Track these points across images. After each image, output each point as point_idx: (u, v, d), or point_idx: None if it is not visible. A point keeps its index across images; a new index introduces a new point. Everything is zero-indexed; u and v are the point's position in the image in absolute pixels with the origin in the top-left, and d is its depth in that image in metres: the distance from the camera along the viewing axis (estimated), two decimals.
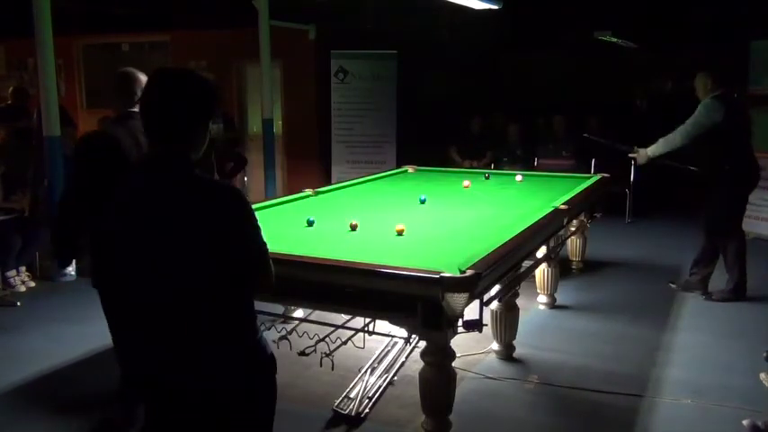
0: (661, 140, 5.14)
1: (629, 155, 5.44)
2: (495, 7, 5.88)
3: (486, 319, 3.34)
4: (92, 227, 1.90)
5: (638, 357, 4.06)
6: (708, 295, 5.16)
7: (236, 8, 7.87)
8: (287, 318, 3.73)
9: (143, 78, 3.01)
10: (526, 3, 8.02)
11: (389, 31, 8.41)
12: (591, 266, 6.02)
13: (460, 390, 3.21)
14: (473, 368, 3.87)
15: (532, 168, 7.62)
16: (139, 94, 2.79)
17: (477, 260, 2.69)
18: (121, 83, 3.02)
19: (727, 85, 5.01)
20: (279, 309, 3.52)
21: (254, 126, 9.68)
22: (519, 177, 5.59)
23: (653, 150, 5.18)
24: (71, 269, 5.63)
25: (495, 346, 4.02)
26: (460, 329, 2.64)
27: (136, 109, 2.91)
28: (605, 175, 5.48)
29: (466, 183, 5.23)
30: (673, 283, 5.29)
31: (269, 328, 3.35)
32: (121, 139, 2.81)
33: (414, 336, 2.76)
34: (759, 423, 3.08)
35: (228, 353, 1.80)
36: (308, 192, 4.61)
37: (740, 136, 4.95)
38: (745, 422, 3.11)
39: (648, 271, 5.93)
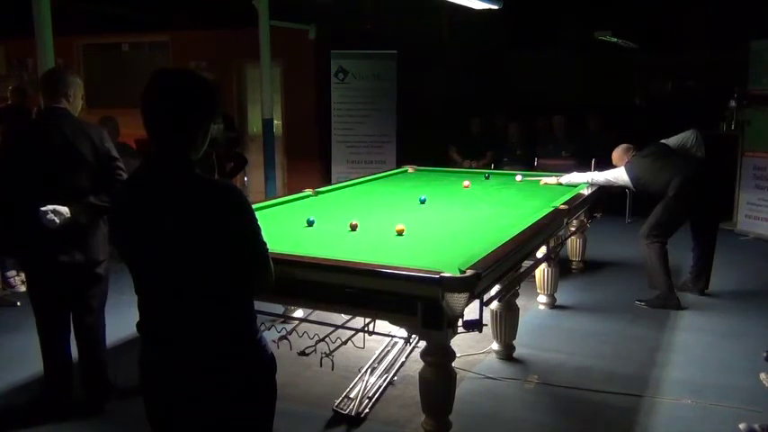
0: (575, 175, 5.22)
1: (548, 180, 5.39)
2: (495, 7, 5.87)
3: (486, 319, 3.34)
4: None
5: (638, 357, 4.06)
6: (701, 292, 5.21)
7: (236, 8, 7.87)
8: (287, 318, 3.73)
9: (71, 79, 3.24)
10: (526, 3, 8.02)
11: (389, 31, 8.41)
12: (591, 266, 6.02)
13: (460, 390, 3.21)
14: (473, 368, 3.87)
15: (532, 168, 7.61)
16: (64, 91, 3.16)
17: (477, 260, 2.69)
18: (47, 81, 3.26)
19: (639, 146, 5.27)
20: (279, 309, 3.52)
21: (254, 126, 9.68)
22: (519, 177, 5.59)
23: (565, 179, 5.21)
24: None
25: (495, 346, 4.02)
26: (460, 329, 2.64)
27: (61, 105, 3.17)
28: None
29: (466, 183, 5.23)
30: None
31: (269, 328, 3.35)
32: (29, 133, 3.18)
33: (414, 336, 2.76)
34: (756, 426, 3.07)
35: (228, 353, 1.80)
36: (308, 192, 4.61)
37: (670, 169, 4.98)
38: (741, 426, 3.09)
39: None
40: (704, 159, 5.15)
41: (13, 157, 3.17)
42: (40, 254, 3.19)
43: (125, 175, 3.21)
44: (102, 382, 3.40)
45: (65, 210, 3.06)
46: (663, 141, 5.24)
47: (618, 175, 5.14)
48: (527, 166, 7.65)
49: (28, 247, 3.23)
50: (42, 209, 3.02)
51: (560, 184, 5.19)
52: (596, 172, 5.30)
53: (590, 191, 4.98)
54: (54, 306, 3.30)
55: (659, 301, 4.94)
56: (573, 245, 5.74)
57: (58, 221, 3.04)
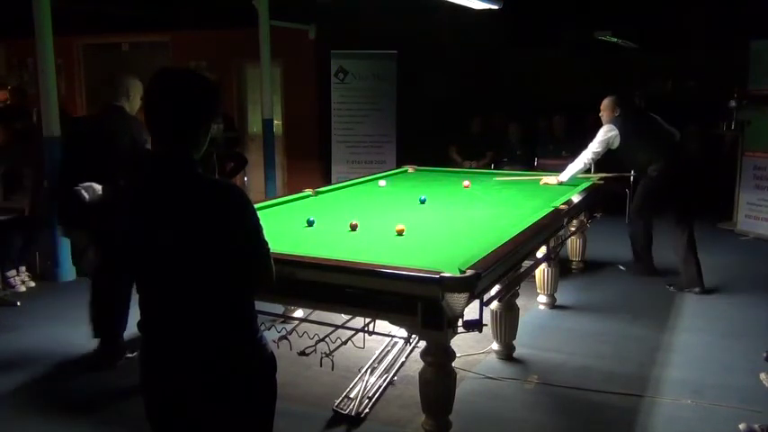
0: (569, 167, 5.30)
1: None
2: (495, 7, 5.88)
3: (486, 319, 3.34)
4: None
5: (638, 357, 4.06)
6: (702, 289, 5.23)
7: (236, 8, 7.87)
8: (287, 318, 3.73)
9: (130, 80, 3.81)
10: (526, 3, 8.02)
11: (389, 31, 8.41)
12: (591, 266, 6.02)
13: (460, 390, 3.21)
14: (473, 368, 3.87)
15: (532, 168, 7.61)
16: (123, 91, 3.73)
17: (476, 260, 2.68)
18: (109, 82, 3.90)
19: (629, 106, 5.55)
20: (279, 309, 3.52)
21: (254, 126, 9.68)
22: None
23: (564, 176, 5.25)
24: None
25: (495, 346, 4.02)
26: (460, 329, 2.64)
27: (119, 103, 3.79)
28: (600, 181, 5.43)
29: (466, 183, 5.22)
30: (671, 286, 5.29)
31: (269, 328, 3.35)
32: (85, 127, 3.96)
33: (414, 336, 2.76)
34: (756, 426, 3.07)
35: (229, 352, 1.80)
36: (308, 192, 4.61)
37: (656, 145, 5.21)
38: (741, 426, 3.09)
39: None
40: (689, 149, 5.35)
41: (72, 147, 3.92)
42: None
43: None
44: (118, 340, 3.84)
45: (98, 187, 3.55)
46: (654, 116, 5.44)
47: (599, 139, 5.33)
48: (527, 166, 7.66)
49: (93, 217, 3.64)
50: (80, 185, 3.56)
51: (561, 184, 5.18)
52: (582, 152, 5.37)
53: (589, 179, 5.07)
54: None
55: (640, 267, 5.45)
56: (573, 245, 5.74)
57: (87, 196, 3.50)
